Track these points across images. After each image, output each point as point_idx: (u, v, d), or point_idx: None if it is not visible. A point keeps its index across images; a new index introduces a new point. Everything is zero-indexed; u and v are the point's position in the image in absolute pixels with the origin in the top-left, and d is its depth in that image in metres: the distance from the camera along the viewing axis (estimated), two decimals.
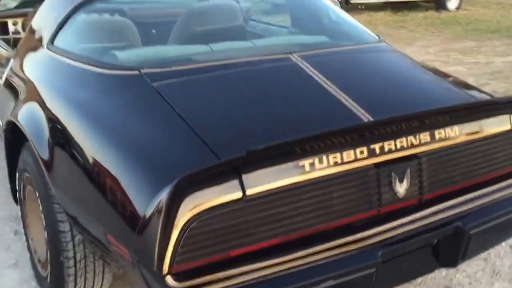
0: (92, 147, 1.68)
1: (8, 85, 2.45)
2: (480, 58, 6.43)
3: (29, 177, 2.03)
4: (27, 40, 2.51)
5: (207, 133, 1.59)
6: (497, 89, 5.01)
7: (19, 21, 3.49)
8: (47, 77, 2.15)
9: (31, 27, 2.50)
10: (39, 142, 1.86)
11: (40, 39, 2.33)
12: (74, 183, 1.75)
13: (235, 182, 1.34)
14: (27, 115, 2.02)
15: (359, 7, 10.19)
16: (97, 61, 2.01)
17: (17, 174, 2.19)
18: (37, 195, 1.94)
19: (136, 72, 1.87)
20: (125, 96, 1.83)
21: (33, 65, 2.32)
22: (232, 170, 1.35)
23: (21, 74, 2.36)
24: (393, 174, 1.56)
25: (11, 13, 3.61)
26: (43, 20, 2.44)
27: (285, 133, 1.60)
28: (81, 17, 2.32)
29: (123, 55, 2.07)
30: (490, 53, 6.75)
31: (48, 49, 2.22)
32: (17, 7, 3.79)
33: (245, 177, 1.35)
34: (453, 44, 7.40)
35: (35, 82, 2.17)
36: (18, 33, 3.48)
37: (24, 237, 2.30)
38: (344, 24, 2.64)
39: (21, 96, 2.22)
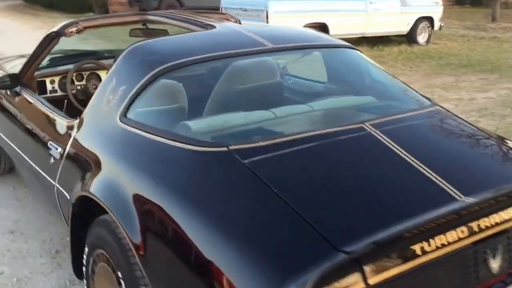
0: (189, 229, 1.64)
1: (74, 158, 2.36)
2: (463, 94, 6.94)
3: (105, 254, 1.98)
4: (92, 111, 2.41)
5: (311, 215, 1.57)
6: (487, 126, 5.46)
7: (56, 79, 3.56)
8: (125, 151, 2.09)
9: (95, 97, 2.42)
10: (127, 221, 1.81)
11: (110, 111, 2.25)
12: (170, 267, 1.70)
13: (358, 274, 1.41)
14: (108, 191, 1.98)
15: None
16: (181, 137, 1.96)
17: (86, 249, 2.13)
18: (119, 274, 1.88)
19: (225, 149, 1.85)
20: (217, 174, 1.80)
21: (105, 138, 2.23)
22: (354, 263, 1.42)
23: (90, 147, 2.27)
24: (487, 250, 1.66)
25: (50, 71, 3.60)
26: (111, 92, 2.31)
27: (388, 216, 1.63)
28: (156, 87, 2.25)
29: (194, 126, 2.07)
30: (470, 88, 7.28)
31: (122, 121, 2.15)
32: (47, 65, 3.77)
33: (365, 268, 1.42)
34: (433, 80, 7.91)
35: (110, 156, 2.12)
36: (56, 91, 3.53)
37: None
38: (393, 85, 2.67)
39: (95, 171, 2.13)
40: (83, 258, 2.18)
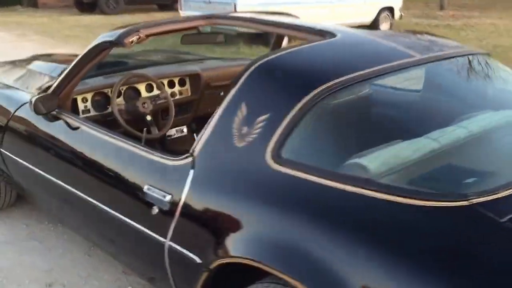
0: None
1: (198, 209, 1.85)
2: None
3: None
4: (214, 149, 1.89)
5: None
6: None
7: (88, 97, 2.90)
8: (295, 203, 1.63)
9: (213, 129, 1.90)
10: None
11: (252, 149, 1.77)
12: None
13: None
14: (284, 256, 1.56)
15: None
16: (386, 186, 1.54)
17: None
18: None
19: (465, 203, 1.45)
20: (467, 241, 1.42)
21: (252, 185, 1.75)
22: None
23: (225, 197, 1.79)
24: None
25: (78, 88, 2.78)
26: (244, 123, 1.82)
27: None
28: (315, 114, 1.79)
29: (370, 164, 1.66)
30: None
31: (277, 163, 1.68)
32: None
33: None
34: None
35: (269, 210, 1.66)
36: (88, 111, 2.88)
37: None
38: None
39: (244, 228, 1.69)
40: None
